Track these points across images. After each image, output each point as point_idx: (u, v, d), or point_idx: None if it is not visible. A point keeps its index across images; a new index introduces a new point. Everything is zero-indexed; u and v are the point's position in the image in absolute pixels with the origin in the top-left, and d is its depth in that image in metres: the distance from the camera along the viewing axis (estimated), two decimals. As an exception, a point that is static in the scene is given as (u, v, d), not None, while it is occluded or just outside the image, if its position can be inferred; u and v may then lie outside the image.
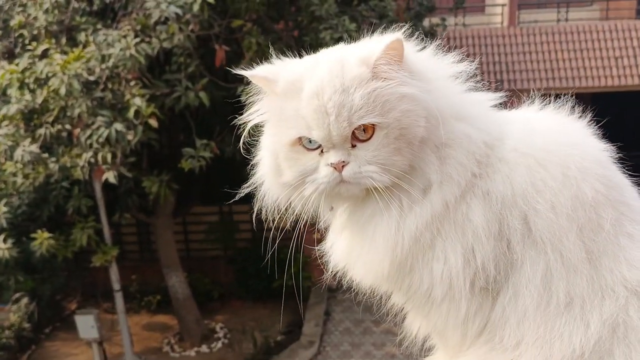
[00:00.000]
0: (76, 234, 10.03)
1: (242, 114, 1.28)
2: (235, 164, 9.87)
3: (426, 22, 13.67)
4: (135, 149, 7.96)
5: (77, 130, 7.43)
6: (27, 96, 7.68)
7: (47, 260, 10.54)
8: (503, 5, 16.16)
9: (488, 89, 1.19)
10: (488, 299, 1.02)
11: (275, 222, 1.15)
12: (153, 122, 7.20)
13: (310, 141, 1.07)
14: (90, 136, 7.29)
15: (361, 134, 1.04)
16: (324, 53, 1.13)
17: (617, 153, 1.20)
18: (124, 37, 7.08)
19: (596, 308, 0.97)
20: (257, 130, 1.15)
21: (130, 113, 7.07)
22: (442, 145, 1.04)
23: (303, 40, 8.94)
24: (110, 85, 7.37)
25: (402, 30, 1.07)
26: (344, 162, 1.04)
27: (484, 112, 1.11)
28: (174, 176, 9.55)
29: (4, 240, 9.14)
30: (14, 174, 8.74)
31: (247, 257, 14.16)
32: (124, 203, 10.95)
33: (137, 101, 6.97)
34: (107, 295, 12.93)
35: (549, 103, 1.15)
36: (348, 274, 1.13)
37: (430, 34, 13.36)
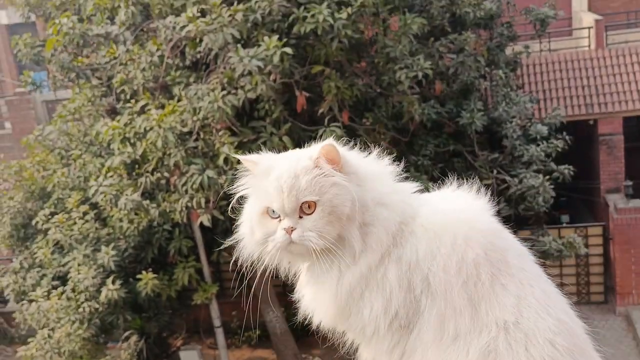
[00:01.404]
0: (178, 274, 10.66)
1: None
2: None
3: (509, 51, 13.70)
4: (228, 192, 8.44)
5: (173, 178, 8.02)
6: (128, 148, 8.38)
7: (152, 300, 11.15)
8: (590, 27, 15.92)
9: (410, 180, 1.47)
10: (403, 335, 1.38)
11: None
12: (241, 168, 7.68)
13: (273, 211, 1.44)
14: (185, 183, 7.86)
15: (306, 209, 1.41)
16: (294, 151, 1.54)
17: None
18: (212, 90, 7.65)
19: (475, 340, 1.30)
20: (242, 199, 1.52)
21: (220, 160, 7.61)
22: (367, 224, 1.40)
23: (381, 80, 9.27)
24: (202, 135, 7.94)
25: (332, 136, 1.40)
26: (292, 227, 1.42)
27: (402, 199, 1.44)
28: (267, 215, 9.99)
29: (113, 282, 9.84)
30: (120, 220, 9.46)
31: (341, 291, 14.41)
32: (222, 242, 11.49)
33: (226, 149, 7.49)
34: (209, 331, 13.52)
35: (462, 185, 1.43)
36: (312, 319, 1.51)
37: (514, 62, 13.40)
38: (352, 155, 1.49)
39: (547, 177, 10.75)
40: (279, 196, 1.42)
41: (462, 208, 1.44)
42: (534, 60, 15.67)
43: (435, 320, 1.33)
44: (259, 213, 1.48)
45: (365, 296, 1.39)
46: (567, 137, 11.76)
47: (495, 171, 10.80)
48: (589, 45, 16.02)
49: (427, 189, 1.54)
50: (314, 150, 1.45)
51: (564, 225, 15.18)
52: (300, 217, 1.42)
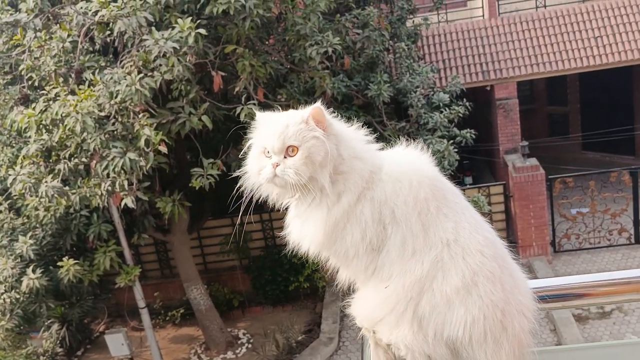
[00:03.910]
0: (99, 258, 10.66)
1: (243, 131, 1.97)
2: (240, 178, 10.34)
3: (409, 23, 14.27)
4: (147, 173, 8.56)
5: (93, 163, 8.07)
6: (44, 136, 8.34)
7: (74, 286, 11.12)
8: (483, -3, 16.74)
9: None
10: (375, 255, 1.80)
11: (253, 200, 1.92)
12: (163, 149, 7.85)
13: (268, 152, 1.83)
14: (106, 167, 7.93)
15: (290, 152, 1.80)
16: (293, 110, 1.91)
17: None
18: (129, 74, 7.73)
19: (427, 254, 1.75)
20: (251, 144, 1.93)
21: (141, 142, 7.72)
22: (346, 172, 1.80)
23: (293, 57, 9.58)
24: (120, 119, 8.01)
25: (319, 101, 1.84)
26: (277, 163, 1.80)
27: (372, 155, 1.87)
28: (185, 194, 10.18)
29: (33, 271, 9.78)
30: (36, 208, 9.38)
31: (262, 265, 14.82)
32: (141, 225, 11.57)
33: (147, 131, 7.62)
34: (132, 313, 13.58)
35: (409, 145, 1.83)
36: (301, 246, 1.88)
37: (414, 34, 13.97)
38: (336, 121, 1.88)
39: (451, 141, 11.41)
40: (271, 138, 1.80)
41: (413, 161, 1.88)
42: (433, 32, 16.35)
43: (398, 242, 1.75)
44: (258, 152, 1.86)
45: (347, 228, 1.78)
46: (467, 104, 12.47)
47: (403, 139, 11.34)
48: (483, 15, 16.85)
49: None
50: (306, 110, 1.82)
51: (468, 186, 16.06)
52: (285, 157, 1.80)
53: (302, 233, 1.86)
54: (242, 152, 1.97)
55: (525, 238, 14.94)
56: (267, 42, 10.29)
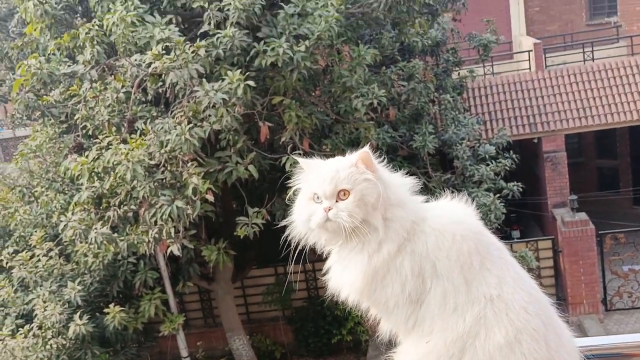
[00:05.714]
0: (144, 306, 10.76)
1: (288, 180, 1.99)
2: (287, 227, 10.41)
3: (455, 75, 14.35)
4: (193, 221, 8.69)
5: (142, 210, 8.23)
6: (96, 183, 8.56)
7: (119, 333, 11.18)
8: (529, 51, 16.75)
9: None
10: (415, 307, 1.77)
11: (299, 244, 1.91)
12: (210, 197, 7.98)
13: (317, 197, 1.83)
14: (154, 214, 8.07)
15: (342, 196, 1.80)
16: (338, 157, 1.94)
17: None
18: (179, 124, 7.94)
19: (469, 309, 1.72)
20: (296, 191, 1.94)
21: (189, 191, 7.87)
22: (388, 219, 1.80)
23: (339, 108, 9.70)
24: (169, 167, 8.20)
25: (367, 146, 1.86)
26: (330, 207, 1.80)
27: (415, 205, 1.86)
28: (230, 243, 10.25)
29: (80, 317, 9.89)
30: (85, 254, 9.57)
31: (305, 316, 14.71)
32: (187, 272, 11.66)
33: (195, 180, 7.77)
34: (175, 363, 13.58)
35: (454, 197, 1.89)
36: (340, 293, 1.87)
37: (460, 86, 14.02)
38: (383, 167, 1.89)
39: (498, 194, 11.28)
40: (322, 183, 1.81)
41: (457, 213, 1.87)
42: (479, 84, 16.39)
43: (439, 296, 1.74)
44: (306, 198, 1.86)
45: (387, 278, 1.77)
46: (514, 156, 12.36)
47: (448, 191, 11.28)
48: (530, 68, 16.84)
49: None
50: (354, 155, 1.85)
51: (515, 240, 15.78)
52: (337, 202, 1.80)
53: (342, 279, 1.84)
54: (287, 200, 1.97)
55: (576, 295, 14.53)
56: (313, 94, 10.46)
